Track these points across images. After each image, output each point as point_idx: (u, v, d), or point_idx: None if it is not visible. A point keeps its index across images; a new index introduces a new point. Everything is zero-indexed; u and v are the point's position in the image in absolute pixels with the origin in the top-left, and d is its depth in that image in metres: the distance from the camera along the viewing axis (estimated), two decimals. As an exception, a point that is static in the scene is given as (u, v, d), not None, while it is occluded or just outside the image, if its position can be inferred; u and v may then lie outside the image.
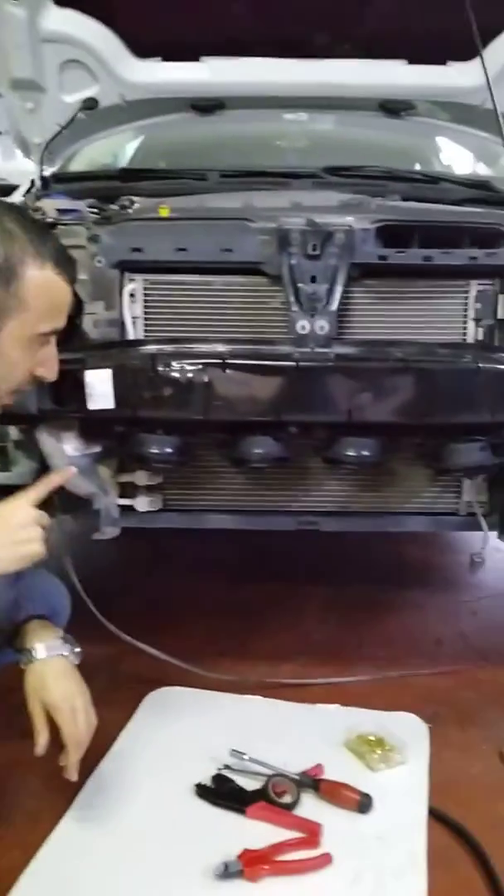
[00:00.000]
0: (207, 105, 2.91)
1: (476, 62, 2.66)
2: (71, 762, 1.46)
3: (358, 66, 2.75)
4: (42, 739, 1.44)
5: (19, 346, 1.42)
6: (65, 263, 1.48)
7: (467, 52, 2.57)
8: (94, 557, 2.50)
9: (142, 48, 2.74)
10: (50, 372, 1.53)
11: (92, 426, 1.89)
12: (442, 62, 2.74)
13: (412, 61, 2.74)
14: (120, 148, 3.54)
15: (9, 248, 1.36)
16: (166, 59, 2.78)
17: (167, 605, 2.62)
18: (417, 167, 3.43)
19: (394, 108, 2.90)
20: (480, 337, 1.95)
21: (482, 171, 3.34)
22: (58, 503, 1.59)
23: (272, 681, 2.11)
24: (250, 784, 1.68)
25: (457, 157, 3.57)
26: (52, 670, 1.48)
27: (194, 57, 2.78)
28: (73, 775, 1.48)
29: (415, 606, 2.69)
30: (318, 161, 2.71)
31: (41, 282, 1.41)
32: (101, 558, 2.71)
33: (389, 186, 2.43)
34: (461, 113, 2.92)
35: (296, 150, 3.33)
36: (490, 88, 2.19)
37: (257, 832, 1.55)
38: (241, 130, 3.31)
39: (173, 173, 2.68)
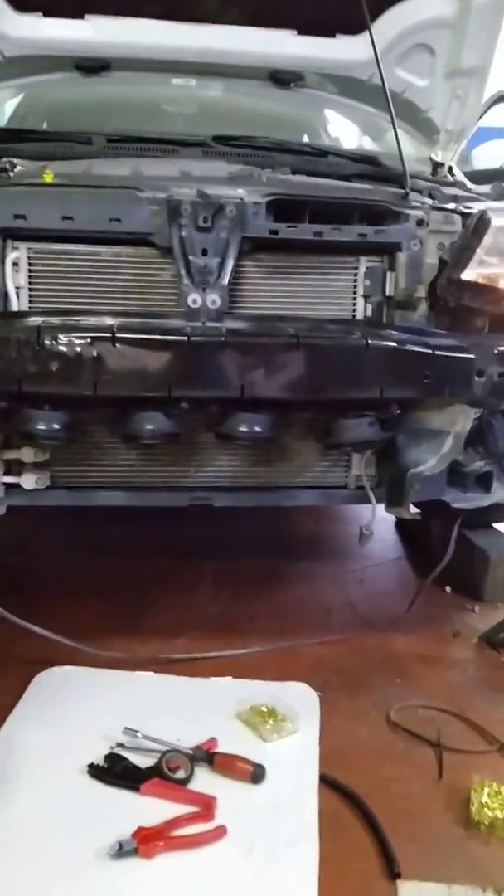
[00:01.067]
0: (92, 65, 2.81)
1: (364, 36, 2.68)
2: None
3: (246, 33, 2.71)
4: None
5: None
6: None
7: (356, 25, 2.59)
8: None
9: (22, 2, 2.61)
10: None
11: (-26, 403, 1.81)
12: (331, 35, 2.74)
13: (301, 32, 2.73)
14: (-4, 104, 3.38)
15: None
16: (48, 14, 2.66)
17: (55, 584, 2.56)
18: (305, 138, 3.43)
19: (283, 78, 2.89)
20: (369, 314, 1.98)
21: (368, 144, 3.37)
22: None
23: (164, 656, 2.11)
24: (144, 761, 1.67)
25: (345, 129, 3.59)
26: None
27: (78, 14, 2.67)
28: None
29: (305, 577, 2.73)
30: (206, 128, 2.67)
31: None
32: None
33: (278, 158, 2.42)
34: (349, 87, 2.94)
35: (184, 115, 3.26)
36: (378, 62, 2.20)
37: (152, 809, 1.54)
38: (127, 93, 3.21)
39: (58, 135, 2.57)
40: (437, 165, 2.82)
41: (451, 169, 2.86)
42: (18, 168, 1.99)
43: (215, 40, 2.71)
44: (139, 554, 2.82)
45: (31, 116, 3.27)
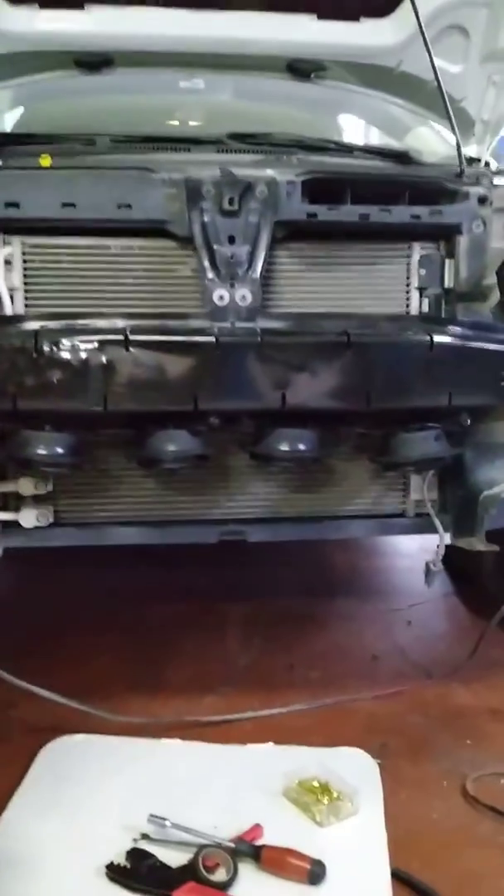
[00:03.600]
0: (93, 61, 2.58)
1: (391, 20, 2.47)
2: None
3: (263, 19, 2.47)
4: None
5: None
6: None
7: (381, 8, 2.37)
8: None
9: (16, -6, 2.39)
10: None
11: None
12: (355, 18, 2.50)
13: (322, 16, 2.49)
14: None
15: None
16: (44, 5, 2.44)
17: (61, 635, 2.29)
18: (320, 142, 3.23)
19: (302, 68, 2.65)
20: (426, 309, 1.73)
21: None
22: None
23: (192, 719, 1.84)
24: (175, 858, 1.39)
25: (360, 135, 3.38)
26: None
27: (77, 4, 2.44)
28: None
29: (345, 618, 2.45)
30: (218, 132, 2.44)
31: None
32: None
33: (300, 156, 2.18)
34: (374, 77, 2.70)
35: (192, 125, 3.05)
36: (423, 32, 1.98)
37: (187, 923, 1.26)
38: (131, 101, 2.99)
39: (57, 138, 2.33)
40: (472, 161, 2.56)
41: (487, 164, 2.61)
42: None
43: (227, 28, 2.48)
44: (156, 596, 2.56)
45: (31, 127, 3.06)
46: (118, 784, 1.61)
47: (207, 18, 2.47)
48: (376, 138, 3.32)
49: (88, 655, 2.15)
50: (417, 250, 1.73)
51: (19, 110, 3.09)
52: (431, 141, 2.89)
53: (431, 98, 2.67)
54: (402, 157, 2.40)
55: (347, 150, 2.47)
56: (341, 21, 2.51)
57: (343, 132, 3.33)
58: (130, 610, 2.47)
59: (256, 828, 1.45)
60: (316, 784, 1.58)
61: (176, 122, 3.11)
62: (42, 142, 2.33)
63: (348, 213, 1.62)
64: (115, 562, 2.64)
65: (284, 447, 1.57)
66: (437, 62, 2.57)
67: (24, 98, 2.97)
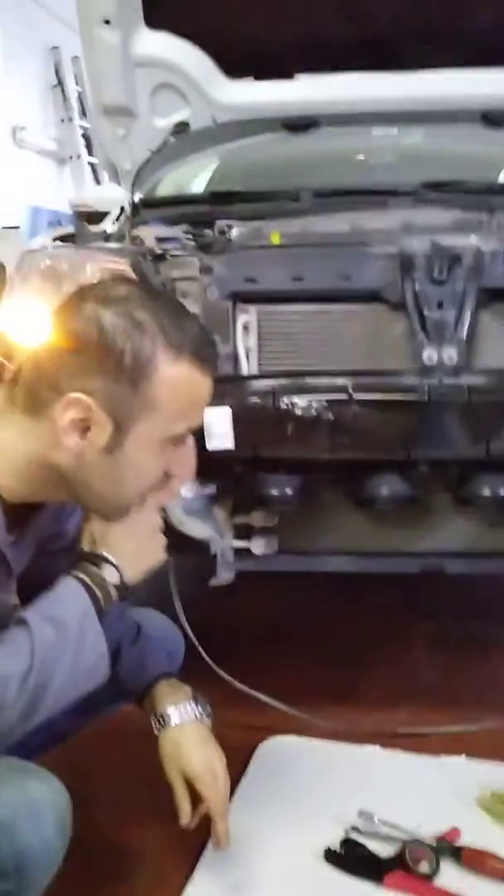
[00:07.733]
0: (300, 124, 2.79)
1: None
2: (220, 830, 1.38)
3: (460, 75, 2.60)
4: (186, 809, 1.36)
5: (149, 450, 1.15)
6: (205, 351, 1.19)
7: None
8: (194, 597, 2.40)
9: (233, 67, 2.65)
10: (186, 473, 1.25)
11: (209, 467, 1.78)
12: None
13: (520, 67, 2.59)
14: (199, 170, 3.44)
15: (137, 343, 1.09)
16: (259, 77, 2.69)
17: (266, 647, 2.47)
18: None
19: (498, 119, 2.74)
20: None
21: None
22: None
23: (389, 730, 1.96)
24: (382, 849, 1.55)
25: None
26: (189, 737, 1.38)
27: (287, 74, 2.68)
28: (224, 843, 1.39)
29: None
30: (408, 175, 2.55)
31: (175, 379, 1.12)
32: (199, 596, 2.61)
33: (496, 201, 2.29)
34: None
35: (384, 165, 3.19)
36: None
37: (398, 905, 1.41)
38: (325, 148, 3.16)
39: (264, 195, 2.57)
40: None
41: None
42: (234, 230, 1.99)
43: (426, 87, 2.62)
44: (344, 611, 2.69)
45: (228, 179, 3.29)
46: (328, 782, 1.76)
47: (408, 78, 2.62)
48: None
49: (289, 666, 2.28)
50: None
51: (214, 164, 3.27)
52: None
53: None
54: None
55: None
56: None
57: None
58: (324, 626, 2.60)
59: (454, 831, 1.58)
60: (508, 796, 1.68)
61: (362, 157, 3.26)
62: (252, 199, 2.58)
63: None
64: (319, 586, 2.79)
65: (487, 492, 1.71)
66: None
67: (223, 154, 3.16)
